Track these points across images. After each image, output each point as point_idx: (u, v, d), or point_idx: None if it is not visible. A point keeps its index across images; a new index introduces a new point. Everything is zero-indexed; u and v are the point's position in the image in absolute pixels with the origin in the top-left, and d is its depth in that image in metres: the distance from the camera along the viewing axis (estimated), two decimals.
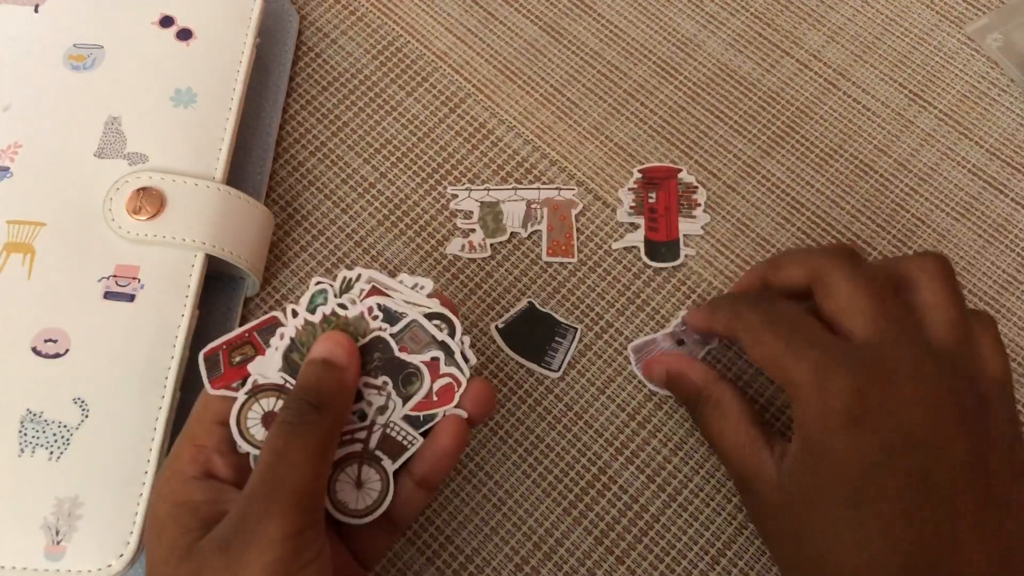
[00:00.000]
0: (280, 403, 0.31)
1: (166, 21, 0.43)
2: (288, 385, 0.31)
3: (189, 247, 0.38)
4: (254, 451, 0.30)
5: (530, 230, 0.44)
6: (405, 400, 0.31)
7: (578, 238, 0.44)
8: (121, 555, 0.34)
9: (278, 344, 0.31)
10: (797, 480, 0.31)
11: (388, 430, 0.31)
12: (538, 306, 0.42)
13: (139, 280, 0.38)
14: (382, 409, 0.31)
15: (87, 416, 0.35)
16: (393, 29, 0.49)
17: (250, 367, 0.31)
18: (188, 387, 0.39)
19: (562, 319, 0.42)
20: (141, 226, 0.38)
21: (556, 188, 0.45)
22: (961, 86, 0.48)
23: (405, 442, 0.31)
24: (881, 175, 0.46)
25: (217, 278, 0.41)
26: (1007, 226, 0.45)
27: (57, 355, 0.36)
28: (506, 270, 0.43)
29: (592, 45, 0.49)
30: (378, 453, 0.31)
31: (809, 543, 0.31)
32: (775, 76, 0.48)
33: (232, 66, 0.43)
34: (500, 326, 0.42)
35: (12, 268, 0.37)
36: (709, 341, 0.41)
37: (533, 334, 0.42)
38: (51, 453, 0.35)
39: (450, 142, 0.46)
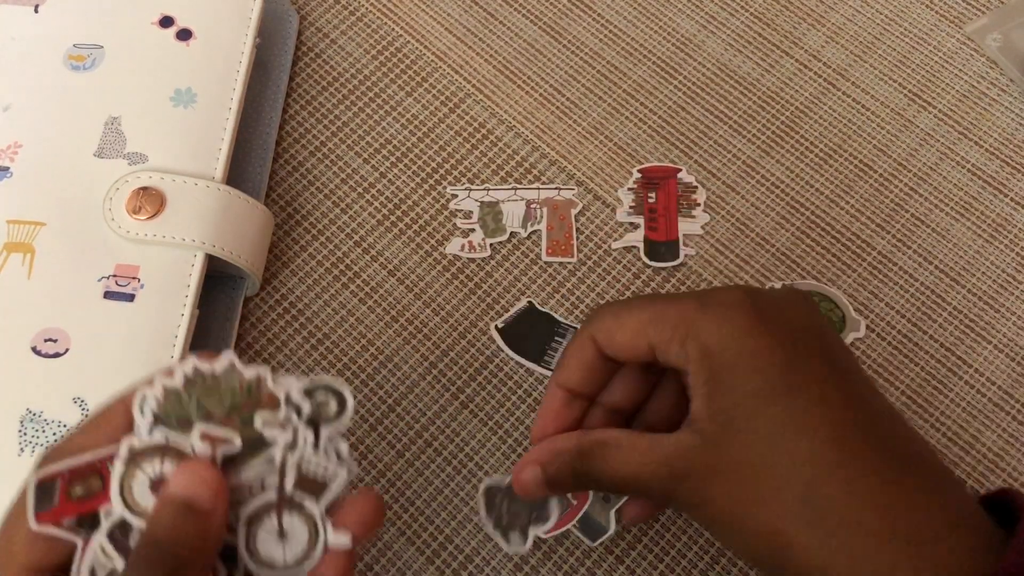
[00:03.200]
0: (168, 464, 0.25)
1: (166, 21, 0.43)
2: (173, 445, 0.25)
3: (189, 247, 0.38)
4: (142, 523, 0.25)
5: (530, 230, 0.44)
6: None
7: (578, 238, 0.44)
8: None
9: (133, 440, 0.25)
10: (717, 417, 0.29)
11: (301, 464, 0.26)
12: (538, 306, 0.42)
13: (139, 280, 0.38)
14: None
15: (87, 416, 0.35)
16: (393, 29, 0.49)
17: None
18: None
19: (562, 319, 0.42)
20: (141, 226, 0.38)
21: (556, 188, 0.45)
22: (960, 86, 0.48)
23: (326, 476, 0.26)
24: (880, 175, 0.46)
25: (217, 278, 0.41)
26: (1006, 226, 0.45)
27: (57, 355, 0.36)
28: (506, 270, 0.43)
29: (592, 45, 0.49)
30: (296, 496, 0.26)
31: (750, 467, 0.28)
32: (775, 76, 0.48)
33: (232, 66, 0.43)
34: (500, 326, 0.42)
35: (12, 268, 0.37)
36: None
37: (533, 334, 0.42)
38: None
39: (450, 142, 0.46)
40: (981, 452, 0.40)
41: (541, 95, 0.47)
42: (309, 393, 0.26)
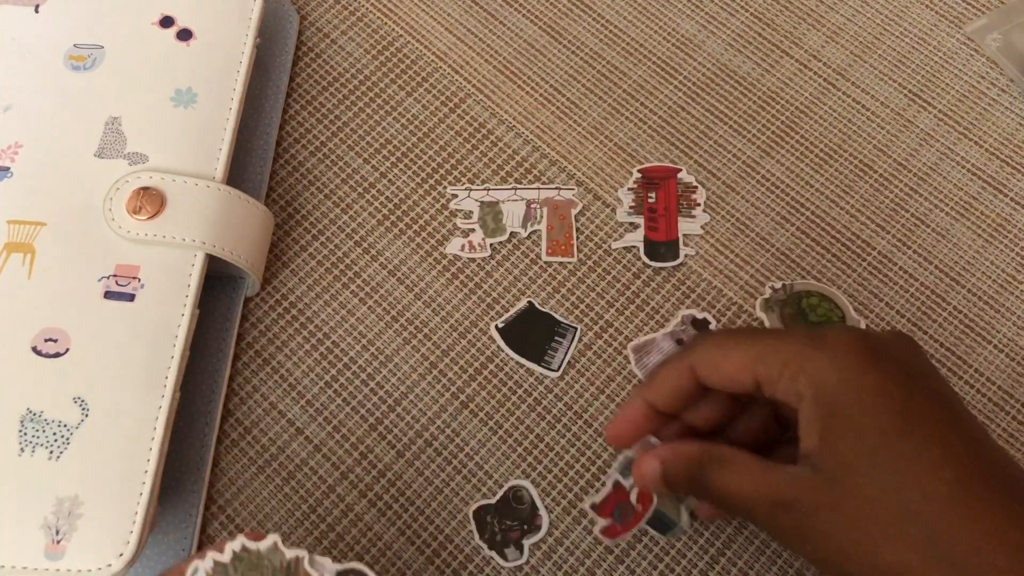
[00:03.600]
0: None
1: (166, 21, 0.43)
2: None
3: (189, 247, 0.38)
4: None
5: (530, 230, 0.44)
6: None
7: (578, 238, 0.44)
8: (121, 554, 0.34)
9: None
10: (834, 454, 0.29)
11: None
12: (538, 306, 0.42)
13: (139, 280, 0.38)
14: None
15: (87, 415, 0.35)
16: (393, 29, 0.49)
17: None
18: (188, 386, 0.39)
19: (562, 319, 0.42)
20: (141, 226, 0.38)
21: (556, 188, 0.45)
22: (960, 86, 0.48)
23: None
24: (880, 175, 0.46)
25: (217, 278, 0.41)
26: (1006, 226, 0.45)
27: (57, 354, 0.36)
28: (506, 270, 0.43)
29: (592, 45, 0.49)
30: None
31: (871, 504, 0.29)
32: (775, 76, 0.48)
33: (232, 66, 0.43)
34: (500, 325, 0.42)
35: (12, 268, 0.37)
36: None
37: (533, 334, 0.42)
38: (51, 452, 0.35)
39: (450, 142, 0.46)
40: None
41: (541, 95, 0.47)
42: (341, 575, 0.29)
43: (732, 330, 0.35)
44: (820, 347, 0.30)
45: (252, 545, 0.29)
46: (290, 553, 0.29)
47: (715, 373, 0.32)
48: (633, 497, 0.37)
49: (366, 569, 0.29)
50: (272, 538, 0.29)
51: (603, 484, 0.38)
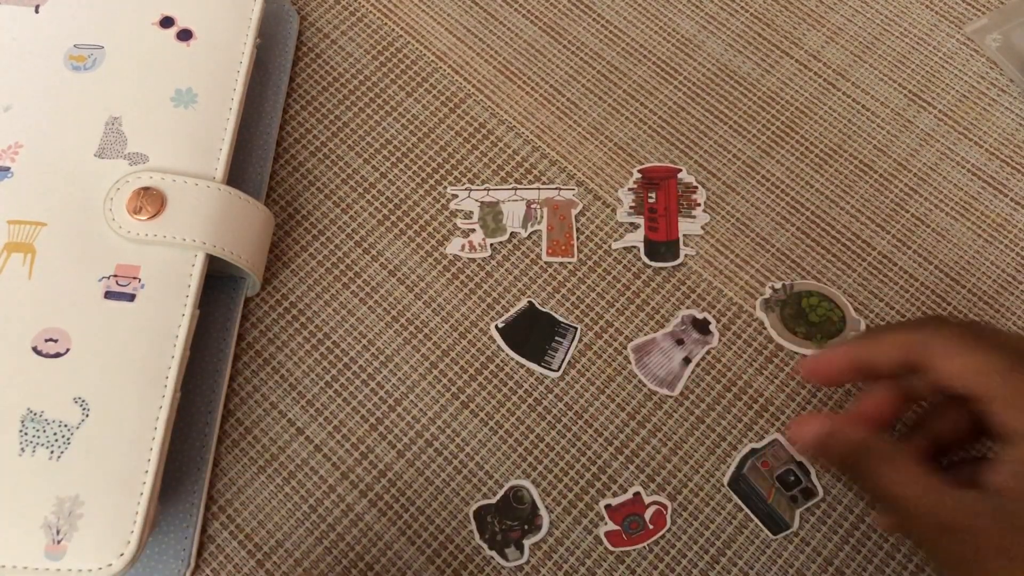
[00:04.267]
0: None
1: (166, 21, 0.43)
2: None
3: (189, 247, 0.38)
4: None
5: (530, 230, 0.44)
6: None
7: (578, 238, 0.44)
8: (122, 554, 0.34)
9: None
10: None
11: None
12: (538, 306, 0.42)
13: (139, 280, 0.38)
14: None
15: (87, 415, 0.35)
16: (393, 29, 0.49)
17: None
18: (188, 386, 0.39)
19: (562, 319, 0.42)
20: (141, 226, 0.38)
21: (556, 188, 0.45)
22: (960, 86, 0.48)
23: None
24: (880, 175, 0.46)
25: (217, 278, 0.41)
26: (1006, 226, 0.45)
27: (58, 355, 0.36)
28: (506, 270, 0.43)
29: (592, 45, 0.49)
30: None
31: None
32: (775, 76, 0.48)
33: (232, 66, 0.43)
34: (500, 326, 0.42)
35: (13, 268, 0.37)
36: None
37: (533, 334, 0.42)
38: (51, 452, 0.35)
39: (450, 142, 0.46)
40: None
41: (541, 95, 0.47)
42: None
43: (972, 325, 0.33)
44: None
45: None
46: None
47: (947, 371, 0.31)
48: (648, 515, 0.38)
49: None
50: None
51: (622, 489, 0.38)
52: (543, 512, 0.39)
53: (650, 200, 0.45)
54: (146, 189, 0.39)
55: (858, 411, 0.35)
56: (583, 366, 0.41)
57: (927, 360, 0.31)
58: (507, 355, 0.42)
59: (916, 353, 0.32)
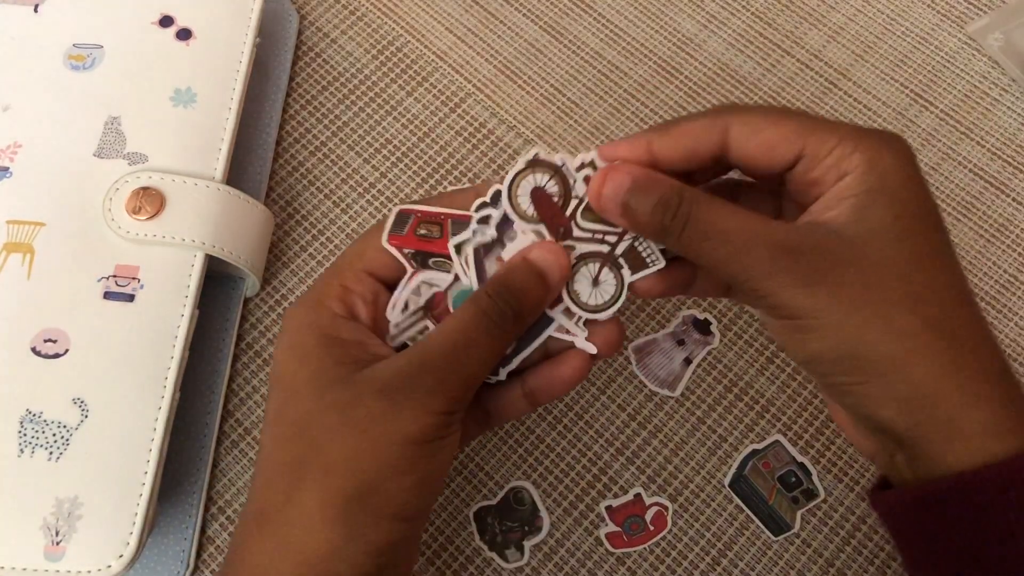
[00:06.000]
0: (550, 181, 0.31)
1: (166, 21, 0.43)
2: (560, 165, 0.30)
3: (189, 247, 0.38)
4: (518, 221, 0.31)
5: None
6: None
7: None
8: (121, 555, 0.34)
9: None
10: (864, 222, 0.28)
11: (637, 243, 0.31)
12: None
13: (139, 280, 0.38)
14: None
15: (87, 416, 0.35)
16: (393, 29, 0.49)
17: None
18: (188, 387, 0.39)
19: None
20: (141, 226, 0.38)
21: None
22: (962, 86, 0.48)
23: (649, 260, 0.31)
24: None
25: (217, 278, 0.41)
26: (1008, 226, 0.44)
27: (57, 355, 0.36)
28: None
29: (592, 45, 0.49)
30: (621, 261, 0.31)
31: (888, 267, 0.28)
32: (776, 76, 0.48)
33: (232, 66, 0.43)
34: None
35: (12, 268, 0.37)
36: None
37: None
38: (51, 453, 0.35)
39: (450, 142, 0.46)
40: None
41: (542, 95, 0.47)
42: None
43: (772, 106, 0.32)
44: (875, 134, 0.29)
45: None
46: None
47: (753, 140, 0.29)
48: (649, 516, 0.38)
49: None
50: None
51: (623, 491, 0.38)
52: (544, 513, 0.39)
53: None
54: (145, 189, 0.39)
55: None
56: None
57: (733, 144, 0.30)
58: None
59: (715, 138, 0.30)
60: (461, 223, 0.31)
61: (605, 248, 0.31)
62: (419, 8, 0.49)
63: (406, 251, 0.31)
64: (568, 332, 0.31)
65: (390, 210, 0.44)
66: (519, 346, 0.31)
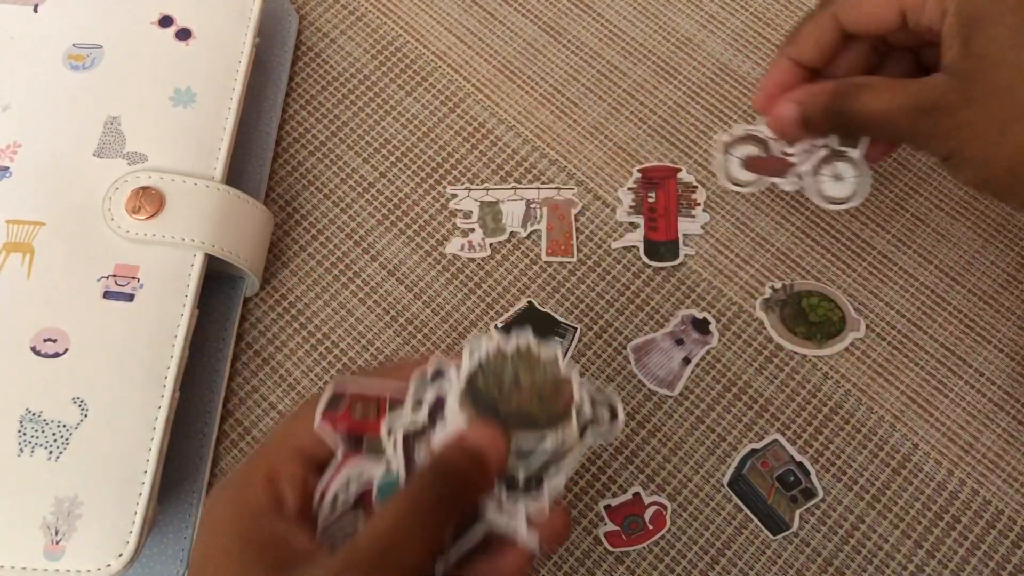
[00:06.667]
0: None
1: (165, 21, 0.43)
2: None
3: (188, 247, 0.38)
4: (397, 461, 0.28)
5: (529, 230, 0.44)
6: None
7: (577, 238, 0.44)
8: (120, 555, 0.34)
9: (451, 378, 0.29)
10: (973, 57, 0.32)
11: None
12: (537, 306, 0.42)
13: (138, 280, 0.38)
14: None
15: (86, 416, 0.35)
16: (393, 29, 0.49)
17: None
18: (187, 386, 0.39)
19: (561, 319, 0.42)
20: (140, 226, 0.38)
21: (555, 188, 0.45)
22: None
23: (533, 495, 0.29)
24: (880, 175, 0.46)
25: (216, 278, 0.41)
26: (1006, 225, 0.44)
27: (56, 355, 0.36)
28: (505, 270, 0.43)
29: (592, 45, 0.49)
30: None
31: (1008, 93, 0.32)
32: None
33: (232, 66, 0.43)
34: (500, 326, 0.42)
35: (11, 268, 0.37)
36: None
37: (533, 333, 0.42)
38: (50, 453, 0.35)
39: (450, 142, 0.46)
40: (981, 452, 0.40)
41: (541, 95, 0.47)
42: (593, 403, 0.29)
43: None
44: None
45: (536, 350, 0.29)
46: (564, 370, 0.29)
47: (858, 13, 0.35)
48: (647, 515, 0.38)
49: (615, 400, 0.30)
50: (556, 349, 0.29)
51: (621, 490, 0.38)
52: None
53: (650, 200, 0.44)
54: (145, 189, 0.39)
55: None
56: (583, 366, 0.41)
57: (845, 23, 0.35)
58: None
59: (830, 26, 0.36)
60: (398, 404, 0.29)
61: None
62: (418, 8, 0.49)
63: (340, 432, 0.29)
64: (508, 522, 0.28)
65: (390, 210, 0.44)
66: (457, 542, 0.28)
